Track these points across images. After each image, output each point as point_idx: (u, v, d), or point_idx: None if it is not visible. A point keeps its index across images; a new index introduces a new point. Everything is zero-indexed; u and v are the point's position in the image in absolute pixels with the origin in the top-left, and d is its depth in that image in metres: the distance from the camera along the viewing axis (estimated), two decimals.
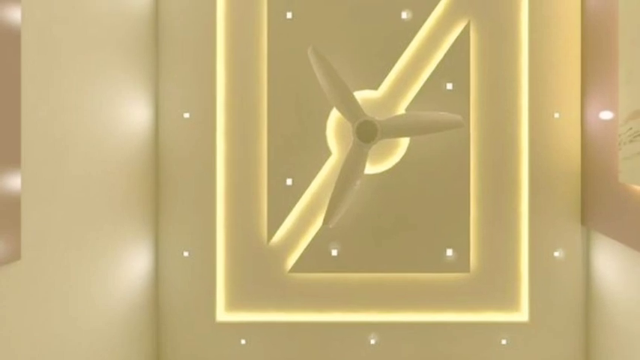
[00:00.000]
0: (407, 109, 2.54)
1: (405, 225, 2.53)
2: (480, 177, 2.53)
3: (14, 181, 1.43)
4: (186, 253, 2.56)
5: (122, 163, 2.20)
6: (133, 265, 2.34)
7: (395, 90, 2.54)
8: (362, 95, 2.51)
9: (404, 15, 2.51)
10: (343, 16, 2.51)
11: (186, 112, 2.54)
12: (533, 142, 2.51)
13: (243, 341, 2.56)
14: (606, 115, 2.24)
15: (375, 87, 2.54)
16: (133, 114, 2.32)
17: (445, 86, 2.51)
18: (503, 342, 2.54)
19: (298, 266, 2.55)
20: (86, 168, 1.89)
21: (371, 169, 2.53)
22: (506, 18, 2.51)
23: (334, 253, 2.54)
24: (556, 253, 2.52)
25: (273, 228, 2.55)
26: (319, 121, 2.54)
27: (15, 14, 1.44)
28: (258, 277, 2.57)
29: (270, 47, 2.52)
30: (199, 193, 2.55)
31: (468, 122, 2.51)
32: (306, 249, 2.56)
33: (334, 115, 2.54)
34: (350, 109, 2.27)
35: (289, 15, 2.51)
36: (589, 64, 2.43)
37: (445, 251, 2.53)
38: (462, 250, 2.53)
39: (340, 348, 2.57)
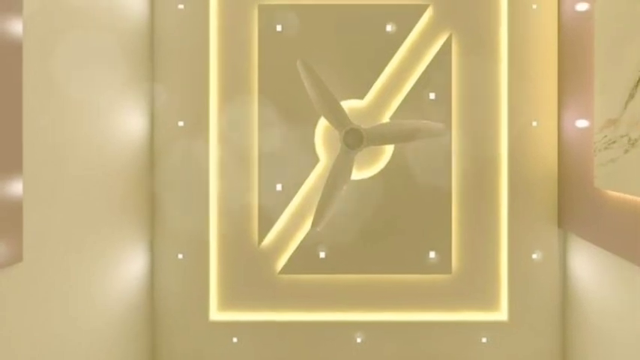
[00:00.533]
0: (391, 118, 2.45)
1: (390, 228, 2.45)
2: (461, 182, 2.45)
3: (16, 186, 1.40)
4: (180, 256, 2.47)
5: (119, 169, 2.13)
6: (130, 267, 2.26)
7: (380, 99, 2.46)
8: (348, 104, 2.43)
9: (388, 28, 2.43)
10: (331, 29, 2.43)
11: (180, 120, 2.46)
12: (512, 149, 2.43)
13: (235, 339, 2.48)
14: (582, 123, 2.17)
15: (361, 97, 2.45)
16: (130, 122, 2.24)
17: (428, 96, 2.43)
18: (484, 340, 2.46)
19: (288, 268, 2.47)
20: (85, 173, 1.83)
21: (357, 175, 2.45)
22: (486, 31, 2.43)
23: (322, 255, 2.45)
24: (534, 255, 2.44)
25: (263, 231, 2.47)
26: (308, 130, 2.46)
27: (17, 27, 1.40)
28: (249, 279, 2.48)
29: (261, 59, 2.44)
30: (193, 198, 2.46)
31: (450, 130, 2.43)
32: (295, 251, 2.47)
33: (322, 124, 2.46)
34: (337, 117, 2.21)
35: (279, 28, 2.43)
36: (565, 75, 2.35)
37: (428, 253, 2.44)
38: (444, 253, 2.44)
39: (328, 346, 2.48)
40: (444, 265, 2.44)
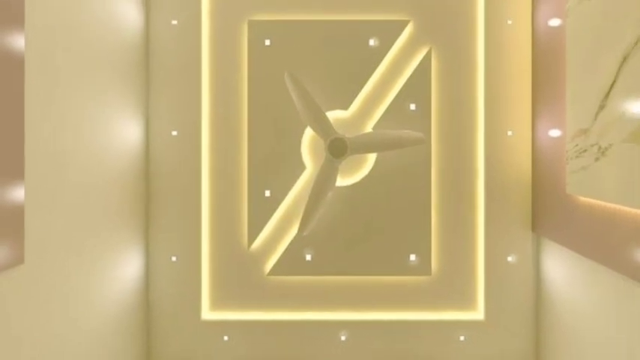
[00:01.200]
0: (374, 128, 2.34)
1: (373, 232, 2.33)
2: (440, 189, 2.34)
3: (18, 192, 1.36)
4: (174, 258, 2.36)
5: (116, 176, 2.04)
6: (126, 269, 2.16)
7: (363, 110, 2.34)
8: (333, 115, 2.32)
9: (371, 42, 2.31)
10: (317, 43, 2.32)
11: (174, 130, 2.34)
12: (489, 157, 2.32)
13: (225, 338, 2.36)
14: (555, 132, 2.08)
15: (345, 107, 2.34)
16: (126, 131, 2.15)
17: (409, 107, 2.32)
18: (462, 338, 2.35)
19: (276, 270, 2.35)
20: (84, 180, 1.77)
21: (341, 181, 2.34)
22: (464, 45, 2.33)
23: (308, 258, 2.34)
24: (509, 258, 2.33)
25: (253, 235, 2.35)
26: (295, 139, 2.34)
27: (19, 41, 1.36)
28: (239, 280, 2.36)
29: (250, 71, 2.32)
30: (186, 204, 2.35)
31: (430, 139, 2.32)
32: (283, 254, 2.36)
33: (308, 133, 2.35)
34: (322, 127, 2.14)
35: (267, 42, 2.32)
36: (539, 86, 2.25)
37: (409, 256, 2.33)
38: (424, 255, 2.33)
39: (314, 344, 2.37)
40: (423, 267, 2.33)
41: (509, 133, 2.32)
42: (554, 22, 2.08)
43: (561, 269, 2.11)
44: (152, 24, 2.33)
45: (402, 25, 2.32)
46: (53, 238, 1.56)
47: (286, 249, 2.35)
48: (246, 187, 2.34)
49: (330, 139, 2.11)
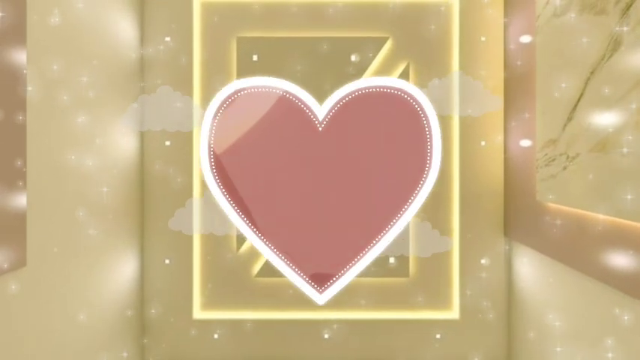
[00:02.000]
0: None
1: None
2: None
3: (21, 199, 1.33)
4: (167, 261, 2.25)
5: (113, 183, 1.95)
6: (122, 271, 2.07)
7: None
8: None
9: (353, 58, 2.20)
10: (302, 58, 2.20)
11: (167, 140, 2.23)
12: (463, 166, 2.21)
13: (216, 336, 2.25)
14: (526, 142, 1.99)
15: None
16: (122, 141, 2.05)
17: None
18: (438, 336, 2.24)
19: (263, 272, 2.24)
20: (82, 187, 1.71)
21: None
22: (440, 60, 2.21)
23: None
24: (482, 261, 2.22)
25: (241, 239, 2.23)
26: None
27: (21, 56, 1.33)
28: (228, 281, 2.25)
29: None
30: (179, 209, 2.22)
31: None
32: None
33: None
34: None
35: (255, 57, 2.20)
36: (511, 99, 2.15)
37: (388, 259, 2.21)
38: (403, 258, 2.22)
39: (298, 342, 2.26)
40: (402, 269, 2.22)
41: (483, 143, 2.21)
42: (525, 39, 1.98)
43: (532, 271, 2.01)
44: (147, 40, 2.22)
45: (382, 41, 2.20)
46: (54, 242, 1.52)
47: None
48: None
49: None
